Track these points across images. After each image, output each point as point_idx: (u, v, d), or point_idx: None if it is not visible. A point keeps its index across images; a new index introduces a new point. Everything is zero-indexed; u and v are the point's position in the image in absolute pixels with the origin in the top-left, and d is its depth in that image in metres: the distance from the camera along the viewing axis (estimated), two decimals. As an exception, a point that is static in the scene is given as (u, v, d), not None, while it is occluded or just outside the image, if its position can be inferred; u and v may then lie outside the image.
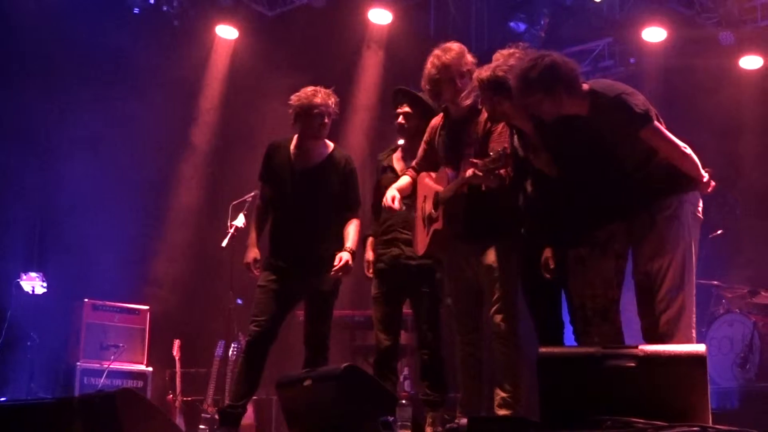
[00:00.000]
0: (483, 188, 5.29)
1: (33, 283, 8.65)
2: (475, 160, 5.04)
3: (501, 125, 5.35)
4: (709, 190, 4.88)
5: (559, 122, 4.85)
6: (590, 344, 4.80)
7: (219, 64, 10.42)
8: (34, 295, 8.64)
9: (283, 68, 9.82)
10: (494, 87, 5.05)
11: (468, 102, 5.50)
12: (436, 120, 5.75)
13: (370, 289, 6.26)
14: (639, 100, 4.73)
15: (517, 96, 4.81)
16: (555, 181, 5.03)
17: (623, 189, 4.84)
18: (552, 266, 5.10)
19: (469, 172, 5.11)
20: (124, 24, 9.60)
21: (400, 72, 9.60)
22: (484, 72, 5.14)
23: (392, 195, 5.60)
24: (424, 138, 5.78)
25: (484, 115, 5.44)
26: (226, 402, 6.60)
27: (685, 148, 4.75)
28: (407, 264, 6.00)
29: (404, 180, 5.80)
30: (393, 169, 6.26)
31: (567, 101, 4.74)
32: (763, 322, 8.51)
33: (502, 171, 5.10)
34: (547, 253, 5.13)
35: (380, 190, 6.08)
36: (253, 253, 6.22)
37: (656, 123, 4.71)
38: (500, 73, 5.04)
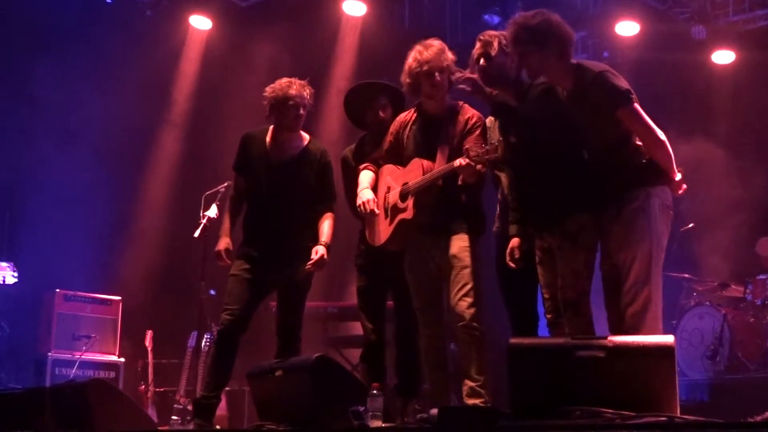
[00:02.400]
0: (459, 182, 5.33)
1: (3, 273, 8.58)
2: (468, 148, 5.08)
3: (479, 129, 5.43)
4: (680, 192, 4.90)
5: (538, 97, 4.93)
6: (561, 335, 4.84)
7: (192, 54, 10.36)
8: (4, 285, 8.56)
9: (256, 59, 9.80)
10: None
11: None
12: (405, 114, 5.78)
13: (343, 281, 6.26)
14: (622, 82, 4.76)
15: (510, 43, 4.88)
16: (525, 169, 5.07)
17: (591, 178, 4.87)
18: (517, 256, 5.15)
19: (460, 161, 5.15)
20: (96, 13, 9.55)
21: (374, 64, 9.61)
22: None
23: (372, 198, 5.64)
24: (391, 130, 5.80)
25: (464, 115, 5.54)
26: (199, 393, 6.58)
27: (662, 135, 4.76)
28: (390, 259, 5.98)
29: (369, 176, 5.80)
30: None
31: (555, 64, 4.79)
32: (733, 314, 8.57)
33: (480, 167, 5.18)
34: (513, 243, 5.17)
35: (355, 188, 6.15)
36: (224, 242, 6.20)
37: (636, 105, 4.73)
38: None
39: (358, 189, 5.75)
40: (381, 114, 6.13)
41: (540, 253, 5.05)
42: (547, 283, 5.04)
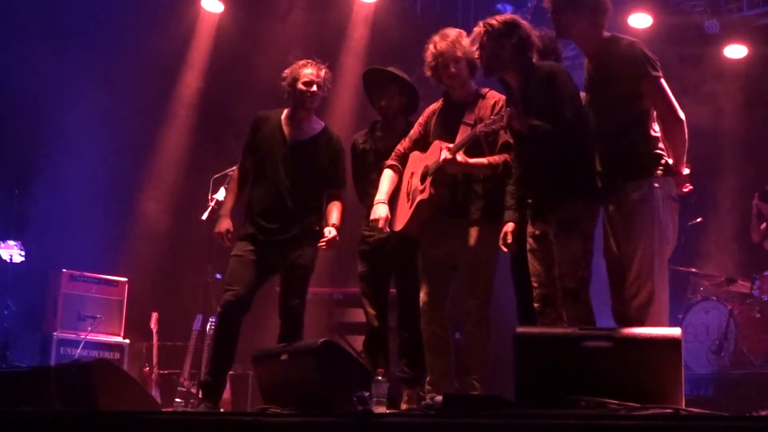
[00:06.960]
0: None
1: (11, 252, 8.60)
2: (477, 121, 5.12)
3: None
4: (685, 190, 4.86)
5: (539, 83, 4.92)
6: (546, 326, 4.84)
7: (203, 38, 10.36)
8: (11, 264, 8.59)
9: (267, 44, 9.78)
10: (503, 31, 5.07)
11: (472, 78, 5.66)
12: (435, 104, 5.82)
13: (348, 267, 6.26)
14: (653, 56, 4.74)
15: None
16: (525, 153, 5.07)
17: (596, 165, 4.83)
18: (510, 240, 5.15)
19: (470, 132, 5.22)
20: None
21: (386, 50, 9.58)
22: (493, 19, 5.18)
23: (384, 216, 5.64)
24: (419, 121, 5.85)
25: (490, 100, 5.57)
26: (204, 375, 6.57)
27: (682, 114, 4.72)
28: (393, 246, 6.00)
29: (389, 180, 5.81)
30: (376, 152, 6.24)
31: (584, 28, 4.81)
32: (739, 309, 8.56)
33: (497, 158, 5.28)
34: (507, 228, 5.16)
35: (363, 174, 6.22)
36: (226, 223, 6.22)
37: (662, 80, 4.70)
38: (508, 18, 5.17)
39: (376, 198, 5.76)
40: (386, 102, 6.16)
41: (531, 240, 5.03)
42: (535, 272, 5.02)
